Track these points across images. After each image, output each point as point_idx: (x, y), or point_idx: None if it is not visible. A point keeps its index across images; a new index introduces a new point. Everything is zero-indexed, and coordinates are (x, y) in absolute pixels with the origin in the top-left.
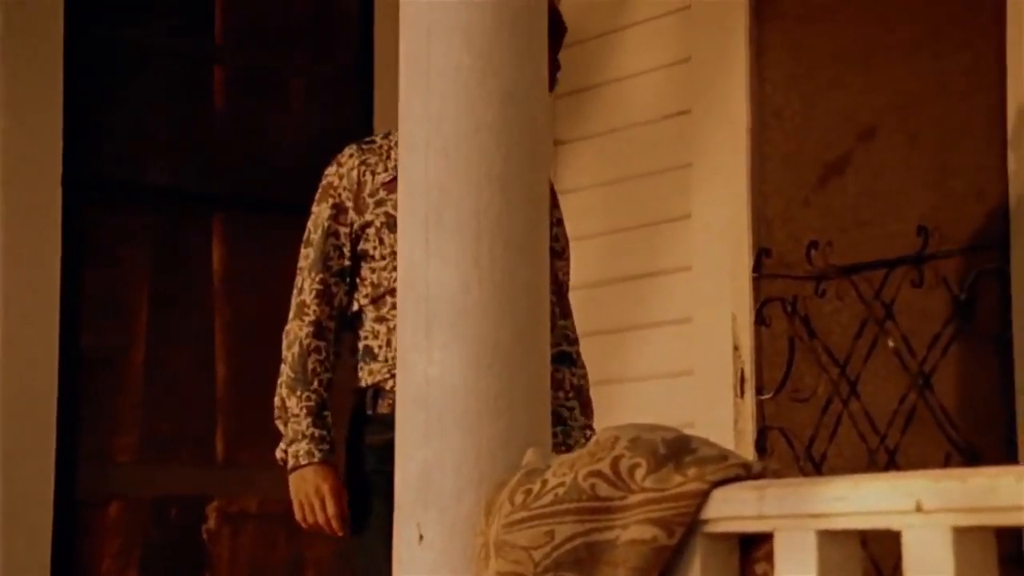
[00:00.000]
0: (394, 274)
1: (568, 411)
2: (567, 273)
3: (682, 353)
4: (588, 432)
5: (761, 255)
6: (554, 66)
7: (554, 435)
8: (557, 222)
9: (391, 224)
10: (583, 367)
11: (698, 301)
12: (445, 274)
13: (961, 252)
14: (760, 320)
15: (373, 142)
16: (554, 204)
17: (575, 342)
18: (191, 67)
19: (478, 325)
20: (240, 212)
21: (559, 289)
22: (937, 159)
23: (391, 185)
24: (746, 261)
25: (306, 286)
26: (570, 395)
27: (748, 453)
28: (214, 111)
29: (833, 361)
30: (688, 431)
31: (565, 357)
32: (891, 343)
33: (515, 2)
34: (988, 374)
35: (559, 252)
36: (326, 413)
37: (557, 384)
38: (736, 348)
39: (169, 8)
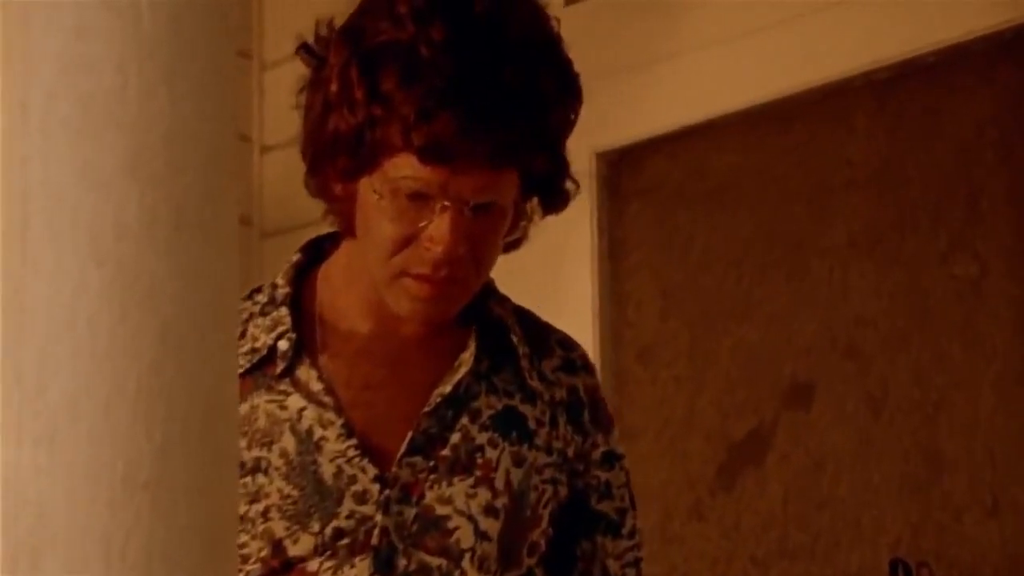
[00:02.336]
0: (255, 542)
1: None
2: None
3: None
4: None
5: None
6: (555, 197)
7: None
8: (603, 460)
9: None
10: None
11: None
12: None
13: None
14: None
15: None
16: (599, 425)
17: None
18: None
19: None
20: None
21: None
22: (920, 440)
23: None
24: None
25: None
26: None
27: None
28: None
29: None
30: None
31: None
32: None
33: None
34: None
35: (613, 524)
36: None
37: None
38: None
39: None
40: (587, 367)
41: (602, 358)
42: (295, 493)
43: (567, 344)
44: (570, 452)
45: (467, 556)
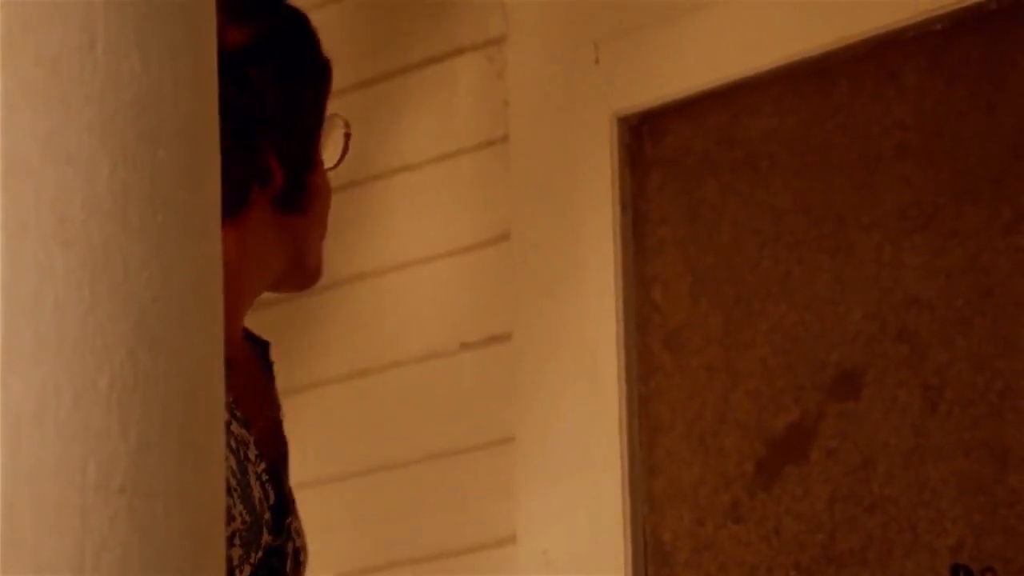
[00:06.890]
0: None
1: None
2: None
3: None
4: None
5: None
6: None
7: None
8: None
9: None
10: None
11: None
12: None
13: None
14: None
15: None
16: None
17: None
18: None
19: None
20: None
21: None
22: (982, 433)
23: None
24: None
25: None
26: None
27: None
28: None
29: None
30: None
31: None
32: None
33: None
34: None
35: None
36: None
37: None
38: None
39: None
40: None
41: (627, 345)
42: (249, 518)
43: None
44: None
45: None
